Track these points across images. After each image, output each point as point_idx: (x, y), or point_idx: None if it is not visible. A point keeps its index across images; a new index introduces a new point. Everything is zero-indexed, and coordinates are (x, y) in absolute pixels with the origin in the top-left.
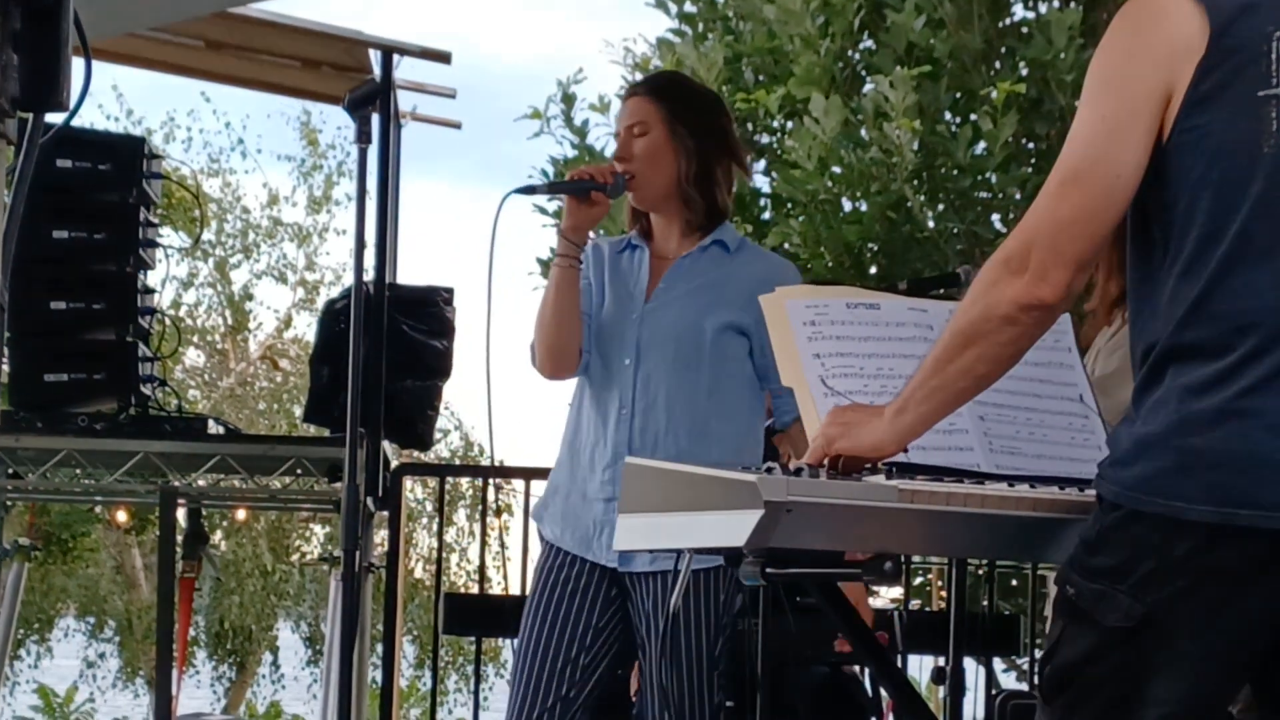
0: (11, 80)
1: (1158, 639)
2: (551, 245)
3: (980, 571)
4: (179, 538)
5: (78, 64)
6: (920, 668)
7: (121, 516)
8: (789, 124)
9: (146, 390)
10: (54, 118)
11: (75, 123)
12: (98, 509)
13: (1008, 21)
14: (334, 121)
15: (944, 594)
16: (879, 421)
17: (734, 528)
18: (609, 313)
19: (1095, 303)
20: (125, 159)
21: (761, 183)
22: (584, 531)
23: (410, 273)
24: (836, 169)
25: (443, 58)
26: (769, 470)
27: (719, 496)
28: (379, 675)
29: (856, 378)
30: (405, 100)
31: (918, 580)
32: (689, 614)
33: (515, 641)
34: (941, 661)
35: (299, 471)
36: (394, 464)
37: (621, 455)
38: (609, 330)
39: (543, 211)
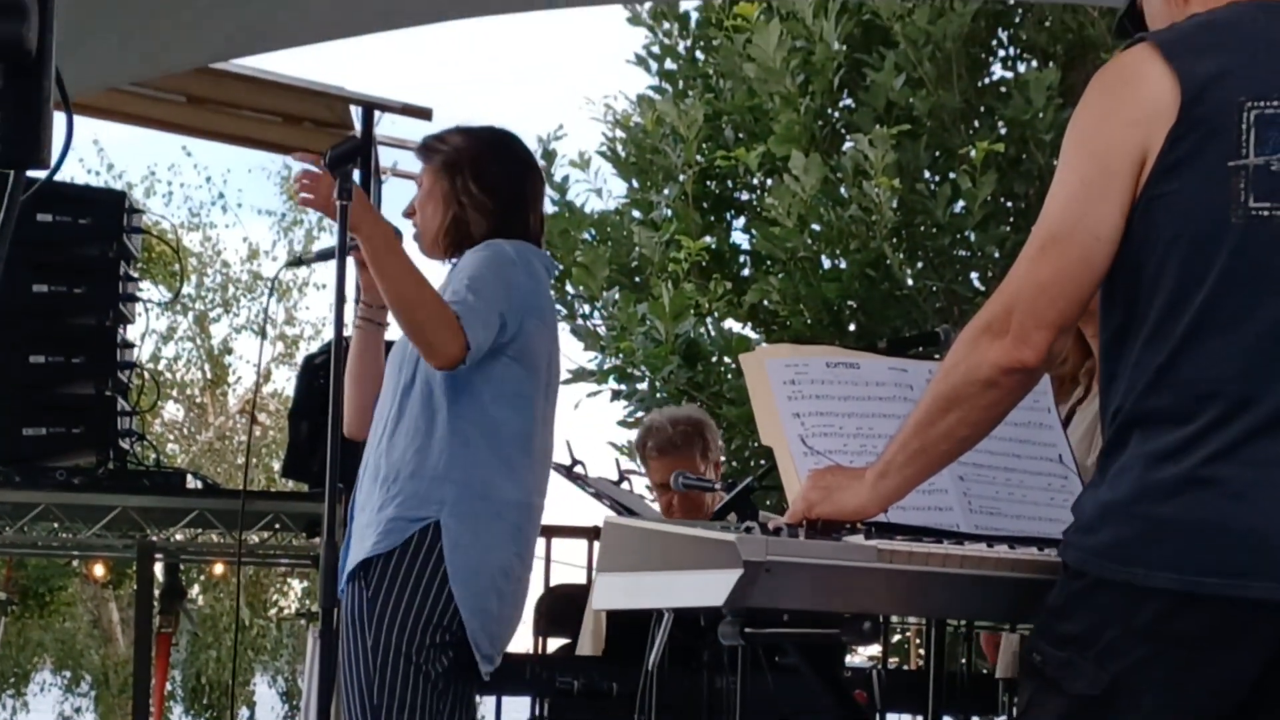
0: None
1: (1124, 706)
2: None
3: (959, 630)
4: (156, 592)
5: (59, 119)
6: None
7: (99, 571)
8: (769, 181)
9: (125, 444)
10: (34, 173)
11: (56, 176)
12: (75, 563)
13: (986, 81)
14: None
15: (922, 652)
16: (860, 485)
17: (713, 587)
18: None
19: (1067, 367)
20: (106, 213)
21: (741, 240)
22: None
23: (391, 329)
24: (816, 226)
25: (424, 114)
26: (748, 530)
27: (698, 556)
28: None
29: (836, 437)
30: (386, 156)
31: (896, 638)
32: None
33: None
34: None
35: (277, 526)
36: None
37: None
38: None
39: None
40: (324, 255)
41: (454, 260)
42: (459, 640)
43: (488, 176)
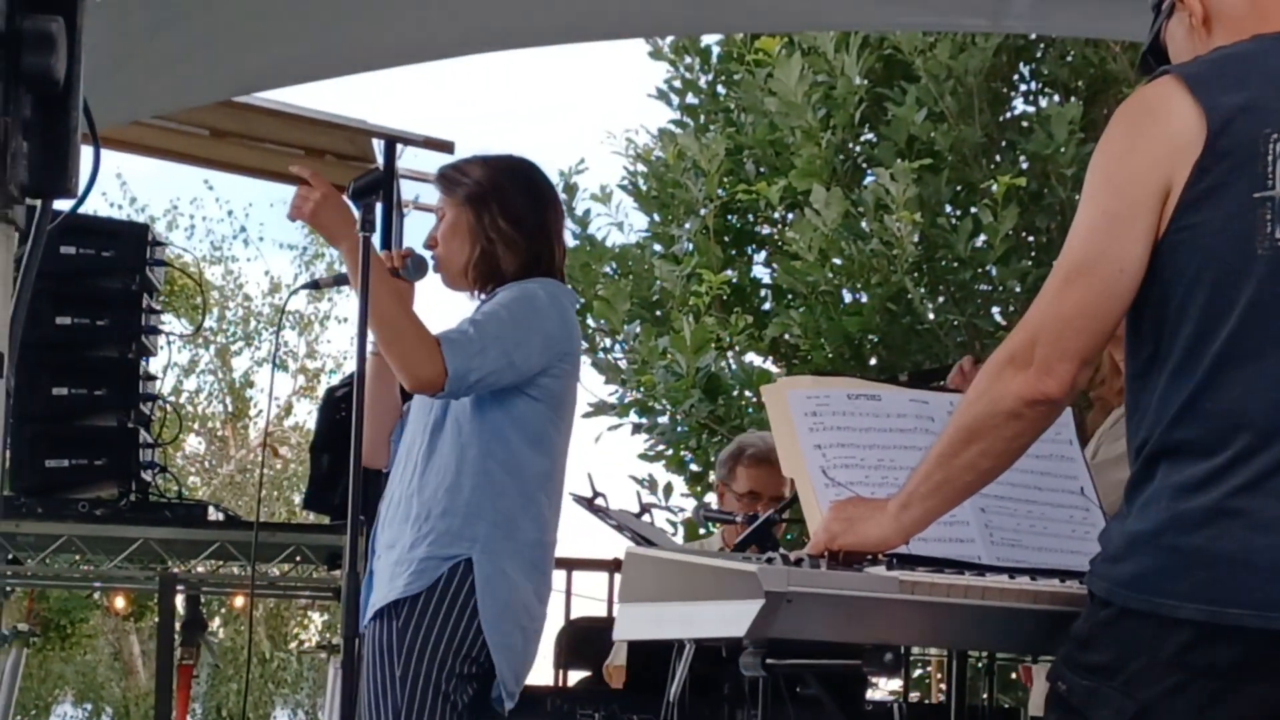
0: (21, 167)
1: None
2: None
3: (980, 664)
4: (178, 624)
5: (86, 152)
6: None
7: (120, 603)
8: (790, 215)
9: (147, 476)
10: (61, 204)
11: (79, 210)
12: (96, 595)
13: (1008, 115)
14: None
15: (944, 686)
16: (883, 516)
17: (734, 618)
18: None
19: (1105, 389)
20: (129, 246)
21: (762, 274)
22: None
23: None
24: (837, 260)
25: (445, 147)
26: (769, 560)
27: (720, 586)
28: None
29: (857, 468)
30: (408, 189)
31: (917, 672)
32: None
33: None
34: None
35: (298, 559)
36: None
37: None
38: None
39: None
40: (339, 280)
41: (482, 294)
42: (485, 674)
43: (513, 210)
